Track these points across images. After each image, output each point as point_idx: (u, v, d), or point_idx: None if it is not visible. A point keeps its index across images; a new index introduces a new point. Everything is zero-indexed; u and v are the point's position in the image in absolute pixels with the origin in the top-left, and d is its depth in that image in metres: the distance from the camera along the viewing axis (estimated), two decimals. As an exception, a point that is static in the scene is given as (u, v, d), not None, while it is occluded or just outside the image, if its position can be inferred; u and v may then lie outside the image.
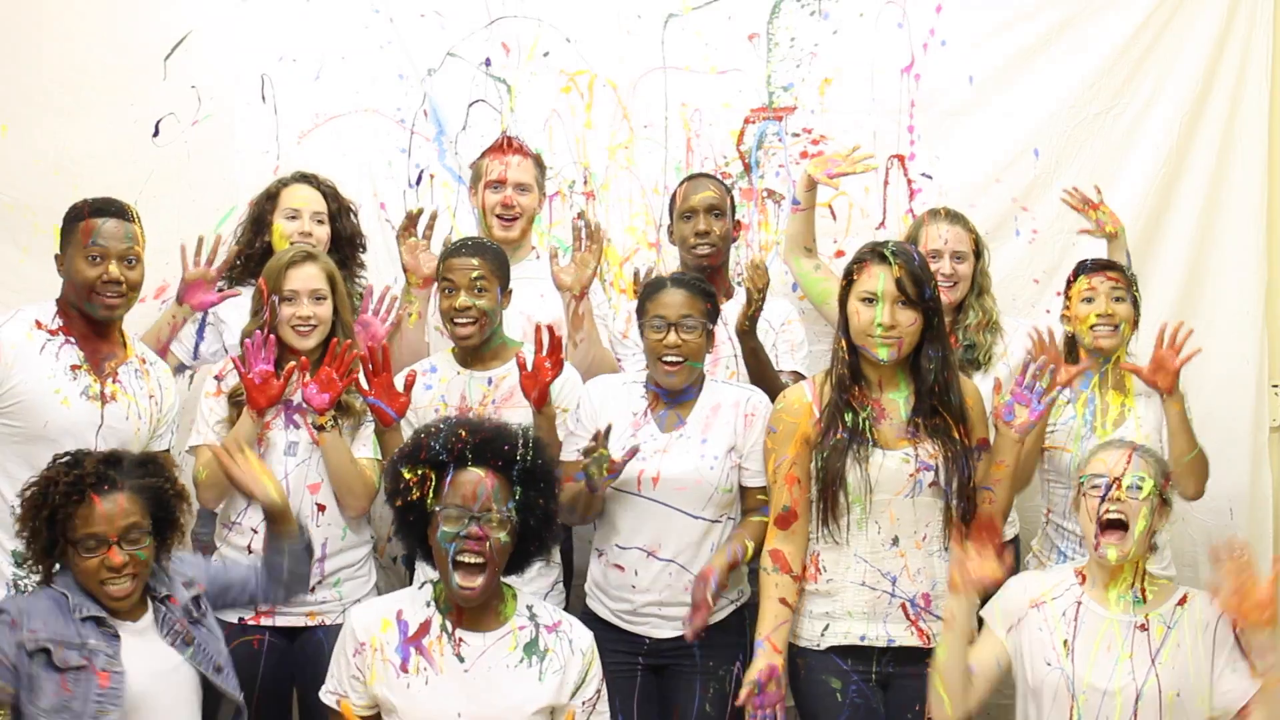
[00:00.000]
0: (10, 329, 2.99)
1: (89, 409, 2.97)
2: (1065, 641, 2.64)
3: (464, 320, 3.17)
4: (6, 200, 3.81)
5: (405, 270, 3.44)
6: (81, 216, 3.00)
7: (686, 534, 3.00)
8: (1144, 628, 2.62)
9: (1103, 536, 2.64)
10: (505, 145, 3.64)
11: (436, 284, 3.26)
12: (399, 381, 3.13)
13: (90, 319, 3.01)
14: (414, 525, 2.62)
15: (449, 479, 2.56)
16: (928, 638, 2.81)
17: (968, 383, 2.98)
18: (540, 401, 3.05)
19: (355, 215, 3.62)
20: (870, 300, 2.77)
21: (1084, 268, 3.43)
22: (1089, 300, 3.36)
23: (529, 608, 2.66)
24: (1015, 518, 3.66)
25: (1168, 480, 2.72)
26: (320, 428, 3.08)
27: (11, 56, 3.83)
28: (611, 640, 2.95)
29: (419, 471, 2.58)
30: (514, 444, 2.59)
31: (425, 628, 2.60)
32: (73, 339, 3.01)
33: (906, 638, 2.82)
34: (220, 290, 3.41)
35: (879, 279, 2.77)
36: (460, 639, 2.59)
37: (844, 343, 2.84)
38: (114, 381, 3.02)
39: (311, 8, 3.91)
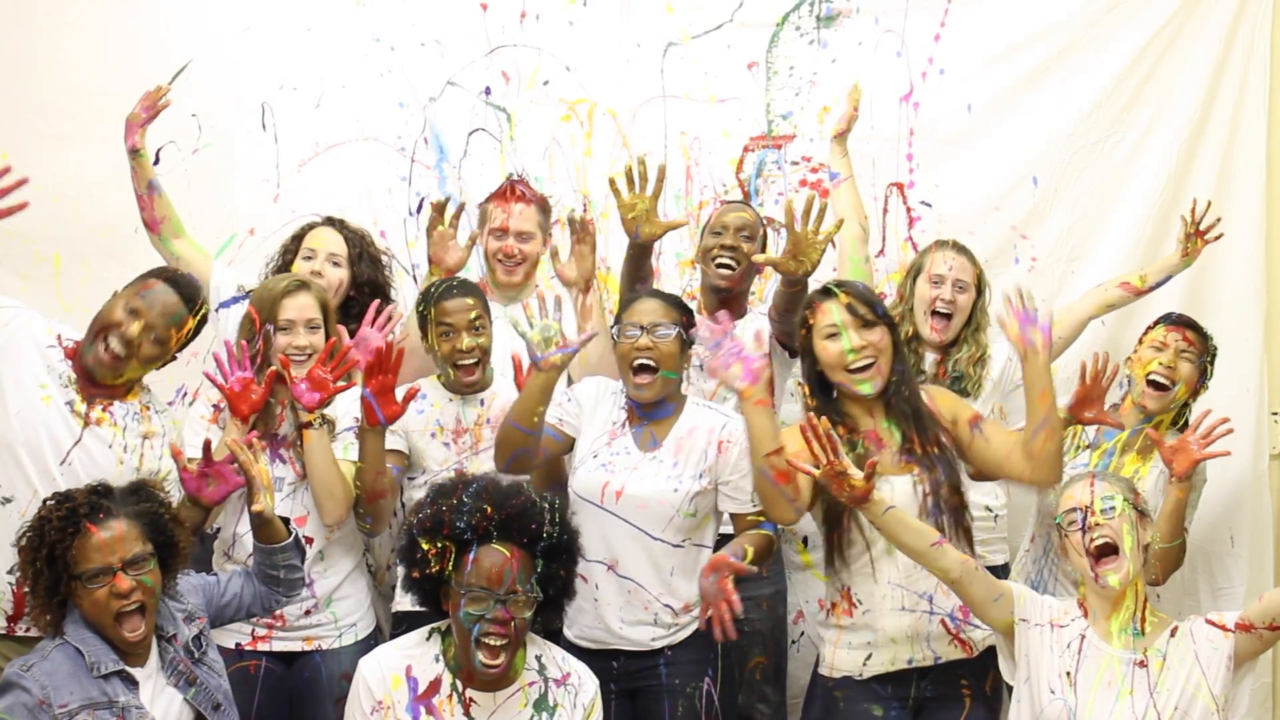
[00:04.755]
0: (29, 315, 3.02)
1: (68, 419, 2.94)
2: (1068, 673, 2.64)
3: (468, 362, 3.17)
4: (6, 228, 3.80)
5: (430, 261, 3.38)
6: None
7: (646, 554, 2.96)
8: (1143, 664, 2.63)
9: (1099, 566, 2.64)
10: (509, 192, 3.54)
11: (433, 327, 3.19)
12: (400, 392, 3.00)
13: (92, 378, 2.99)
14: (429, 592, 2.60)
15: (472, 555, 2.53)
16: (970, 648, 2.80)
17: (939, 391, 2.97)
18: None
19: (384, 266, 3.53)
20: (834, 335, 2.79)
21: (1168, 319, 3.43)
22: (1158, 349, 3.35)
23: (538, 658, 2.64)
24: (1005, 546, 3.65)
25: (1136, 494, 2.73)
26: (307, 425, 2.99)
27: (12, 84, 3.85)
28: None
29: (439, 545, 2.55)
30: (540, 521, 2.57)
31: (435, 686, 2.57)
32: (74, 371, 3.01)
33: (951, 652, 2.81)
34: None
35: (832, 312, 2.79)
36: (470, 699, 2.57)
37: (807, 389, 2.84)
38: (103, 410, 3.00)
39: (312, 36, 3.92)
